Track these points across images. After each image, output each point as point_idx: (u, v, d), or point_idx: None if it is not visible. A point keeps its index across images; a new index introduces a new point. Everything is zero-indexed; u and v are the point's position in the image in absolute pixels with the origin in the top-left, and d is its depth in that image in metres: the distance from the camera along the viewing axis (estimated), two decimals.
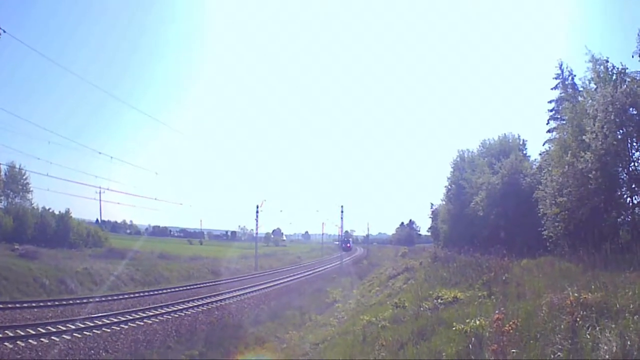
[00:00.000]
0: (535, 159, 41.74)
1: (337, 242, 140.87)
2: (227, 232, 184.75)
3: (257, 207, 73.76)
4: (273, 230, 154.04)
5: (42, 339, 20.30)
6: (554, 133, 37.38)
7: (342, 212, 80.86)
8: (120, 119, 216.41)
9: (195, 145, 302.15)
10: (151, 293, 36.30)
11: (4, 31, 13.50)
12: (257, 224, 76.01)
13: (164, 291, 37.99)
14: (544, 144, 39.71)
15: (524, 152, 46.51)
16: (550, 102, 48.17)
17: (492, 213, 37.99)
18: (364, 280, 49.99)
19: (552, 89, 46.79)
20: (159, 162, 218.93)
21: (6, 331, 20.69)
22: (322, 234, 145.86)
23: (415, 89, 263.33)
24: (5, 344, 19.05)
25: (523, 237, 30.09)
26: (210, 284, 44.79)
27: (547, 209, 25.95)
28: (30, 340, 19.94)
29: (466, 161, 54.53)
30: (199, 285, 42.49)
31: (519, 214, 33.21)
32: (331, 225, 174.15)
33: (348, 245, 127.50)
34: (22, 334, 20.67)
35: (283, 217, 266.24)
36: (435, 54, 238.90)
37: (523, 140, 48.55)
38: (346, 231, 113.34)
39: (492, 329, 9.82)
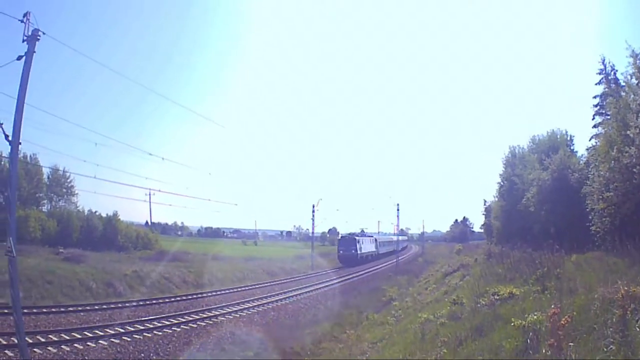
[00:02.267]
0: (582, 154, 41.01)
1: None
2: (281, 232, 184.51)
3: (313, 206, 73.83)
4: (329, 230, 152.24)
5: (88, 343, 20.11)
6: (600, 128, 36.60)
7: (397, 209, 78.33)
8: (162, 117, 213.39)
9: (248, 145, 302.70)
10: (204, 295, 35.82)
11: (44, 33, 14.05)
12: (313, 223, 75.87)
13: (218, 293, 37.52)
14: (590, 139, 39.00)
15: (572, 147, 45.58)
16: (595, 97, 47.26)
17: (543, 209, 37.33)
18: (420, 278, 49.45)
19: (596, 84, 45.91)
20: (212, 162, 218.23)
21: (50, 335, 20.38)
22: (378, 232, 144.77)
23: (468, 86, 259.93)
24: (49, 348, 18.80)
25: (572, 233, 29.55)
26: (266, 284, 44.50)
27: (594, 204, 25.49)
28: (76, 345, 19.70)
29: (517, 157, 53.51)
30: (254, 287, 41.95)
31: (568, 210, 32.62)
32: (387, 224, 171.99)
33: (354, 251, 74.99)
34: (67, 337, 20.38)
35: (339, 215, 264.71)
36: (485, 52, 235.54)
37: (570, 135, 47.56)
38: (401, 229, 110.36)
39: (549, 323, 9.78)
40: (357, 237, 77.97)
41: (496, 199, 61.23)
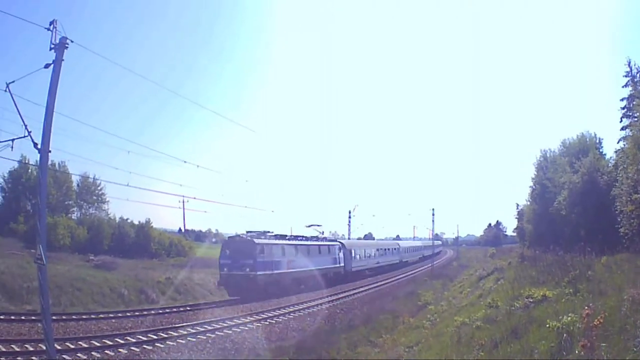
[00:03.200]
0: (611, 157, 40.66)
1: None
2: (317, 237, 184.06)
3: (350, 212, 72.75)
4: (364, 235, 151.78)
5: (120, 350, 19.54)
6: (628, 130, 36.29)
7: (433, 214, 75.11)
8: (188, 121, 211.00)
9: (284, 151, 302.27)
10: (240, 301, 34.28)
11: (72, 41, 13.74)
12: (349, 229, 74.42)
13: (254, 299, 35.23)
14: (618, 142, 38.69)
15: (601, 150, 45.26)
16: (622, 99, 46.75)
17: (574, 212, 37.13)
18: (455, 282, 49.36)
19: (623, 86, 45.40)
20: (247, 168, 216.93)
21: (80, 342, 19.86)
22: (414, 237, 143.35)
23: (501, 91, 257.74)
24: (79, 354, 18.22)
25: (602, 235, 29.34)
26: (302, 290, 42.71)
27: (623, 206, 25.38)
28: (107, 351, 19.09)
29: (548, 161, 53.46)
30: (290, 292, 39.89)
31: (597, 212, 32.39)
32: (422, 228, 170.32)
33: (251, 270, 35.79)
34: (98, 344, 19.83)
35: (375, 221, 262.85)
36: (516, 57, 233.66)
37: (599, 138, 47.29)
38: (436, 234, 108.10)
39: (582, 324, 9.91)
40: (260, 241, 38.01)
41: (528, 203, 61.00)
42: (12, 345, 18.14)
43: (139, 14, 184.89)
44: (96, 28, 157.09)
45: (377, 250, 69.52)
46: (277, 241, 41.05)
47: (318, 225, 54.02)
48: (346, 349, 21.44)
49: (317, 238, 52.69)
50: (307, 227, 54.46)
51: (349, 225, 73.30)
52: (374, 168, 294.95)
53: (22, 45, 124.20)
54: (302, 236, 49.93)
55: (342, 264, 53.41)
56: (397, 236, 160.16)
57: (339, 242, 57.45)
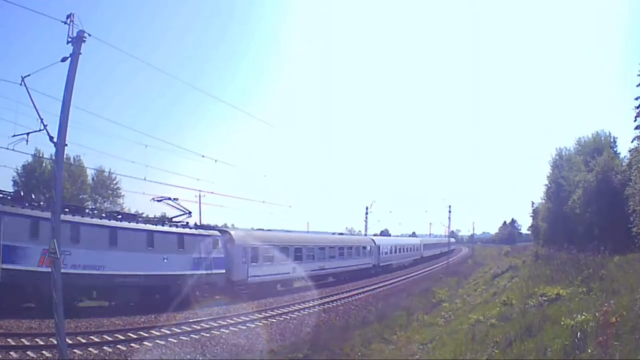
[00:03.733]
0: (625, 156, 40.36)
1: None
2: (333, 233, 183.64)
3: (367, 208, 71.66)
4: (381, 232, 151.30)
5: (132, 344, 19.43)
6: None
7: (449, 211, 75.07)
8: (204, 115, 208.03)
9: (301, 146, 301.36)
10: (253, 297, 33.78)
11: (89, 34, 13.55)
12: (366, 225, 72.85)
13: (269, 295, 36.17)
14: (632, 141, 38.45)
15: (615, 149, 44.89)
16: (636, 98, 46.38)
17: (588, 210, 36.94)
18: (470, 279, 49.13)
19: (637, 85, 45.03)
20: (263, 163, 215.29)
21: (92, 336, 19.76)
22: (429, 234, 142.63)
23: (518, 89, 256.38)
24: (90, 349, 18.13)
25: (615, 234, 29.19)
26: (317, 286, 42.00)
27: (636, 206, 25.23)
28: (119, 346, 19.01)
29: (564, 159, 53.07)
30: (304, 289, 39.59)
31: (611, 211, 32.21)
32: (438, 225, 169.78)
33: None
34: (110, 339, 19.70)
35: (391, 217, 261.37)
36: (531, 55, 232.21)
37: (614, 137, 46.91)
38: (452, 231, 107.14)
39: (597, 323, 9.96)
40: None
41: (543, 201, 60.77)
42: (22, 339, 18.04)
43: (155, 6, 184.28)
44: (111, 21, 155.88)
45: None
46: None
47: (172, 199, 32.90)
48: (360, 345, 21.11)
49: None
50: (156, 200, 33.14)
51: (366, 221, 72.62)
52: (392, 164, 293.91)
53: (36, 38, 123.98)
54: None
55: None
56: (413, 233, 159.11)
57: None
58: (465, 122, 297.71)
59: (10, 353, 16.33)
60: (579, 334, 10.43)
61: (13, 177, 61.34)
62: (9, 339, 17.78)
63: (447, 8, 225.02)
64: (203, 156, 29.22)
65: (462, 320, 21.27)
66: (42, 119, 14.38)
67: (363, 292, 38.50)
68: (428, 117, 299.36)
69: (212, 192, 61.66)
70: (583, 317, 10.99)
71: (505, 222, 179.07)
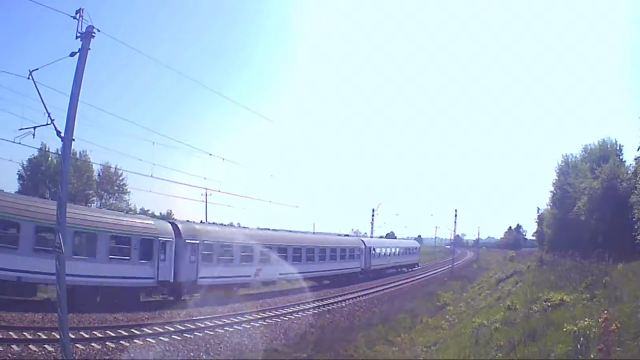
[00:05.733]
0: (630, 164, 40.15)
1: (449, 246, 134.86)
2: (339, 235, 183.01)
3: (373, 210, 71.03)
4: (386, 234, 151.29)
5: (135, 340, 19.21)
6: None
7: (455, 215, 75.07)
8: (210, 112, 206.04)
9: (308, 146, 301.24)
10: (259, 296, 34.19)
11: (98, 30, 13.55)
12: (372, 228, 72.00)
13: (274, 294, 36.16)
14: (638, 149, 38.41)
15: (621, 157, 44.65)
16: None
17: (593, 217, 36.81)
18: (474, 284, 48.97)
19: None
20: (270, 162, 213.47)
21: (94, 332, 19.67)
22: (435, 237, 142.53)
23: (525, 94, 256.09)
24: (93, 344, 18.00)
25: (619, 242, 29.07)
26: (323, 287, 43.06)
27: None
28: (122, 342, 18.79)
29: (570, 166, 53.02)
30: (310, 289, 38.71)
31: (615, 219, 32.08)
32: (444, 229, 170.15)
33: None
34: (113, 334, 19.60)
35: (398, 220, 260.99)
36: (539, 61, 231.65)
37: (620, 145, 46.60)
38: (457, 235, 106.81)
39: (599, 329, 9.94)
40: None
41: (549, 207, 60.58)
42: (25, 333, 17.96)
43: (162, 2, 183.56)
44: (119, 15, 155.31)
45: (398, 249, 67.77)
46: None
47: None
48: (364, 347, 21.10)
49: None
50: None
51: (372, 224, 72.20)
52: (399, 167, 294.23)
53: (44, 32, 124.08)
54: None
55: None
56: (419, 236, 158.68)
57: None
58: (473, 127, 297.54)
59: (12, 346, 16.29)
60: (581, 339, 10.41)
61: (18, 171, 61.64)
62: (10, 332, 17.74)
63: (456, 13, 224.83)
64: (210, 154, 28.50)
65: (466, 324, 21.25)
66: (49, 113, 14.21)
67: (352, 299, 37.25)
68: (437, 121, 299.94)
69: (219, 191, 61.24)
70: (586, 322, 10.99)
71: (510, 227, 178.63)
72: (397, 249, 67.56)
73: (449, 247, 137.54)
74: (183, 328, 22.04)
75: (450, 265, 73.15)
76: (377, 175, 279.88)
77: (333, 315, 29.99)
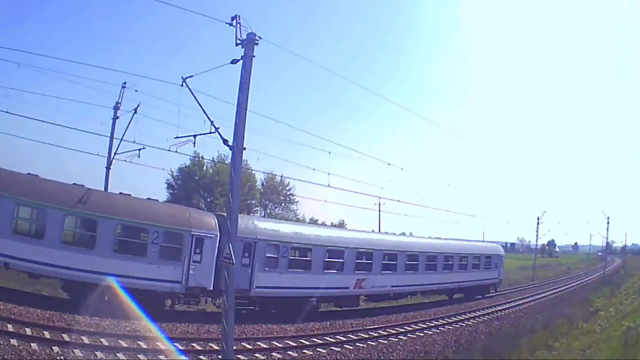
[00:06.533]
0: None
1: (600, 253, 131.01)
2: (506, 243, 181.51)
3: (538, 218, 72.41)
4: (548, 242, 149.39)
5: (304, 351, 19.00)
6: None
7: (607, 223, 74.07)
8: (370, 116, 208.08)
9: (475, 153, 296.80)
10: (431, 305, 34.79)
11: (260, 38, 13.20)
12: (537, 236, 74.34)
13: (445, 302, 37.14)
14: None
15: None
16: None
17: None
18: (621, 289, 49.73)
19: None
20: (447, 171, 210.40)
21: (259, 342, 19.40)
22: (589, 245, 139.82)
23: None
24: (257, 355, 17.75)
25: None
26: (490, 294, 43.27)
27: None
28: (289, 352, 18.55)
29: None
30: (478, 298, 40.41)
31: None
32: (597, 236, 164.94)
33: None
34: (280, 345, 19.11)
35: (559, 228, 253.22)
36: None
37: None
38: (607, 242, 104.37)
39: None
40: None
41: None
42: (193, 344, 17.85)
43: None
44: (275, 22, 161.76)
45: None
46: None
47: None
48: (526, 352, 21.34)
49: None
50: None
51: (537, 232, 73.94)
52: (560, 175, 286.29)
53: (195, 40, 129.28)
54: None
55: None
56: (575, 243, 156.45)
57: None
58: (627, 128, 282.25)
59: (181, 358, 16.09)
60: None
61: (167, 180, 59.44)
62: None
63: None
64: (389, 164, 27.44)
65: (616, 327, 22.05)
66: (212, 122, 14.24)
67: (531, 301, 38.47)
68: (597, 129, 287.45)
69: (391, 199, 61.26)
70: None
71: None
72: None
73: (600, 253, 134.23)
74: (355, 337, 22.18)
75: (602, 272, 72.57)
76: (541, 183, 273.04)
77: (500, 321, 30.38)
